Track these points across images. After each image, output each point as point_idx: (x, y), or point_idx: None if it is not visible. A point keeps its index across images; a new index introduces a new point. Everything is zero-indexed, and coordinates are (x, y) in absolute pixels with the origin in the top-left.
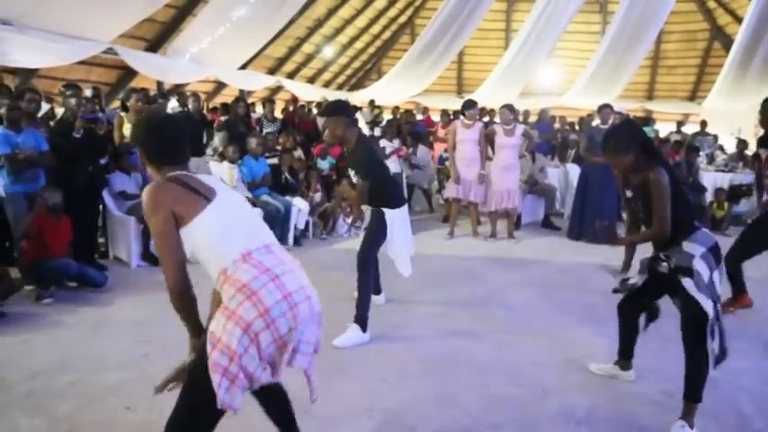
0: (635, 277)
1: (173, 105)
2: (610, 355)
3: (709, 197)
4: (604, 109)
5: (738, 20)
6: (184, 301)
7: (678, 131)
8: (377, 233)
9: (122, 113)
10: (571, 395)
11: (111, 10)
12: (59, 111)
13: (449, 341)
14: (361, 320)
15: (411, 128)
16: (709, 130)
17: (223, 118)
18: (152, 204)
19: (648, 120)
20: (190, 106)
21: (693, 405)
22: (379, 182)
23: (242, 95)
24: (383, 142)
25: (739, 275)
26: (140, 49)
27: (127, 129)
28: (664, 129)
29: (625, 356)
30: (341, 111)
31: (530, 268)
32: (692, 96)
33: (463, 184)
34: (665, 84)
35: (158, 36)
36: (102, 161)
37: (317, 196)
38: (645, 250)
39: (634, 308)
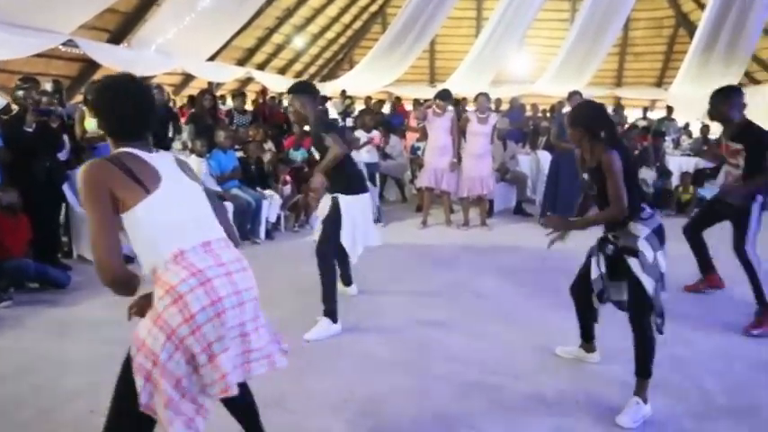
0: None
1: None
2: (579, 339)
3: (675, 181)
4: (574, 96)
5: (702, 6)
6: (120, 290)
7: (644, 117)
8: (333, 222)
9: (84, 107)
10: (542, 380)
11: (70, 0)
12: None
13: (422, 330)
14: (330, 313)
15: (382, 118)
16: (674, 115)
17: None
18: (88, 183)
19: (618, 106)
20: (156, 99)
21: (644, 380)
22: (338, 165)
23: (210, 88)
24: (358, 133)
25: (704, 253)
26: (102, 41)
27: (89, 123)
28: (632, 114)
29: (586, 338)
30: (305, 89)
31: (502, 255)
32: (659, 82)
33: (435, 172)
34: (633, 70)
35: (121, 27)
36: (63, 156)
37: (287, 189)
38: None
39: (584, 290)
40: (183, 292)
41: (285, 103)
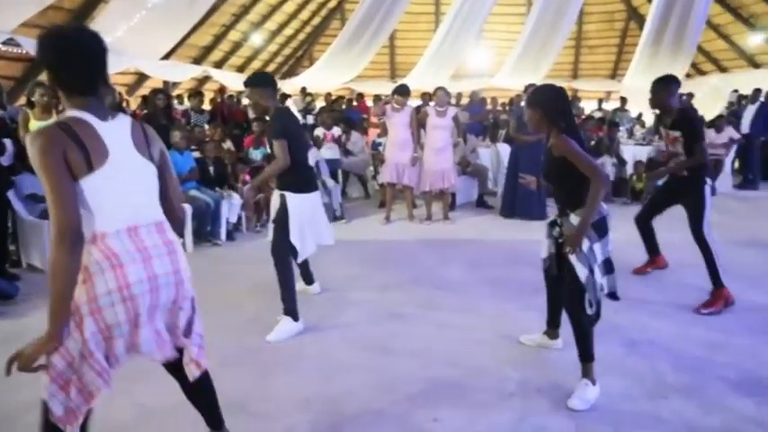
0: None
1: None
2: (542, 328)
3: (629, 170)
4: (530, 89)
5: (650, 0)
6: (66, 263)
7: (600, 108)
8: (282, 221)
9: (27, 110)
10: (504, 370)
11: None
12: None
13: (386, 326)
14: (290, 312)
15: (343, 114)
16: (628, 106)
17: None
18: (41, 148)
19: (574, 98)
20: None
21: (587, 364)
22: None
23: (165, 87)
24: (319, 131)
25: (652, 237)
26: None
27: (33, 126)
28: (588, 106)
29: (552, 325)
30: (263, 82)
31: (465, 248)
32: (614, 74)
33: (396, 167)
34: (588, 63)
35: (67, 25)
36: (6, 162)
37: (247, 188)
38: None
39: (554, 275)
40: (92, 272)
41: (245, 101)
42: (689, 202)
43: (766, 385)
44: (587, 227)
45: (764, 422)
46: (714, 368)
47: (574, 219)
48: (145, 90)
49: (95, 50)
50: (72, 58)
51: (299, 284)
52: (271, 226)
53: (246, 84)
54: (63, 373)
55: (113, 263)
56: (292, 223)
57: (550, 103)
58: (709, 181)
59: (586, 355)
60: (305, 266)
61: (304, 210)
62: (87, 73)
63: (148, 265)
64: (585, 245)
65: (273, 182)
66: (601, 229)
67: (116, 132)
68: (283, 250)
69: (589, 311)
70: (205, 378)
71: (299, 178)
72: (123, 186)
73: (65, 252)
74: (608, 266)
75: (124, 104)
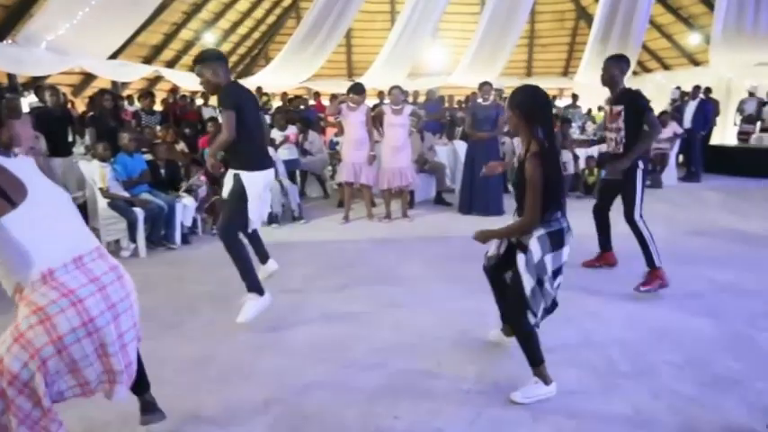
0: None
1: (31, 101)
2: (500, 322)
3: (581, 164)
4: (485, 86)
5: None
6: None
7: (553, 105)
8: (239, 199)
9: None
10: (463, 364)
11: None
12: None
13: (345, 325)
14: (254, 288)
15: (299, 114)
16: (579, 102)
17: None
18: None
19: None
20: (47, 101)
21: (536, 368)
22: (241, 136)
23: (114, 87)
24: (274, 133)
25: (607, 232)
26: None
27: None
28: None
29: (505, 320)
30: (212, 57)
31: (424, 245)
32: (565, 72)
33: (354, 167)
34: (541, 61)
35: (4, 22)
36: None
37: (202, 191)
38: None
39: (498, 274)
40: (51, 313)
41: (198, 101)
42: (623, 187)
43: (707, 367)
44: (498, 236)
45: (707, 403)
46: (661, 353)
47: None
48: (92, 90)
49: None
50: None
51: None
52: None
53: (195, 61)
54: (30, 414)
55: (72, 300)
56: (251, 202)
57: (528, 105)
58: (641, 165)
59: (532, 361)
60: (258, 244)
61: (259, 187)
62: None
63: (105, 295)
64: (537, 255)
65: (217, 169)
66: (556, 240)
67: (24, 167)
68: (233, 228)
69: (532, 320)
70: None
71: (253, 156)
72: (53, 217)
73: None
74: (555, 278)
75: (69, 106)
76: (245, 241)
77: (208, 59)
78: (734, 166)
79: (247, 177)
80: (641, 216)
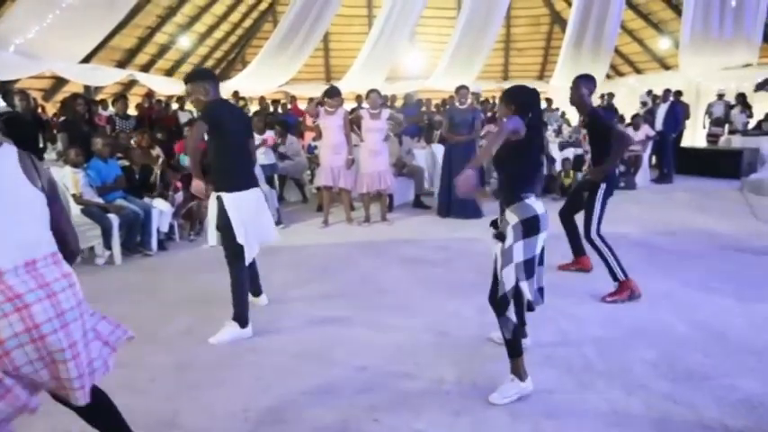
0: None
1: None
2: (479, 325)
3: (558, 167)
4: (461, 90)
5: (571, 5)
6: None
7: None
8: (222, 225)
9: None
10: (442, 367)
11: None
12: None
13: (324, 329)
14: (239, 317)
15: (276, 118)
16: (554, 106)
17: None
18: None
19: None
20: (17, 105)
21: (516, 360)
22: (223, 157)
23: (87, 92)
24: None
25: (576, 237)
26: None
27: None
28: None
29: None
30: (201, 76)
31: (403, 249)
32: (541, 76)
33: (332, 171)
34: (517, 65)
35: None
36: None
37: (179, 196)
38: None
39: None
40: None
41: (174, 106)
42: (586, 201)
43: (679, 364)
44: (473, 165)
45: (679, 398)
46: (636, 351)
47: (509, 215)
48: (63, 95)
49: None
50: None
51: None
52: (212, 233)
53: (186, 80)
54: None
55: (16, 305)
56: (235, 224)
57: (522, 99)
58: (603, 185)
59: (511, 352)
60: (254, 276)
61: (242, 208)
62: None
63: (55, 302)
64: (509, 241)
65: (209, 192)
66: (530, 227)
67: (0, 162)
68: (234, 254)
69: (513, 318)
70: (101, 401)
71: (233, 176)
72: (13, 218)
73: None
74: (528, 269)
75: (40, 111)
76: None
77: (198, 78)
78: (704, 167)
79: (228, 199)
80: (598, 233)
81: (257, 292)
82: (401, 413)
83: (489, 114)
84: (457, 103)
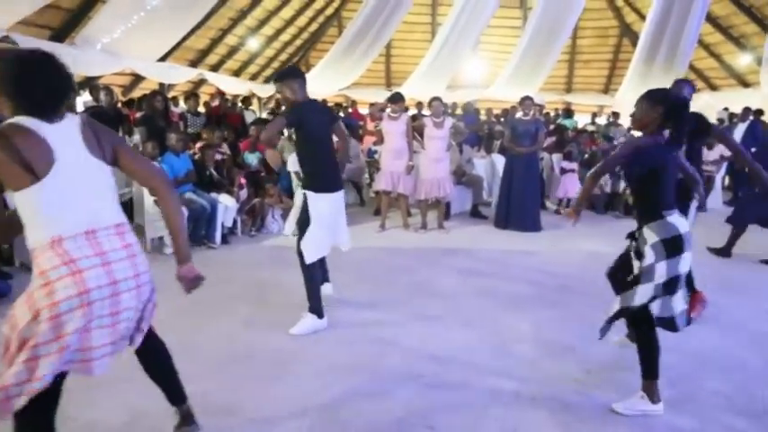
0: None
1: (85, 99)
2: (536, 340)
3: (622, 184)
4: (526, 101)
5: (643, 17)
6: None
7: (593, 122)
8: (303, 220)
9: None
10: (499, 378)
11: None
12: None
13: (380, 333)
14: (314, 310)
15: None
16: (620, 120)
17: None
18: None
19: (569, 111)
20: (102, 100)
21: (649, 382)
22: (307, 154)
23: (162, 89)
24: None
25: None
26: (44, 38)
27: None
28: (581, 120)
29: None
30: (289, 75)
31: (459, 258)
32: (606, 89)
33: (392, 176)
34: (582, 77)
35: (64, 24)
36: None
37: (243, 193)
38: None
39: (619, 276)
40: (52, 278)
41: (240, 104)
42: None
43: (756, 400)
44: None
45: None
46: (706, 381)
47: (647, 232)
48: (140, 91)
49: (57, 83)
50: (28, 88)
51: None
52: (292, 223)
53: (276, 78)
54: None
55: (72, 269)
56: (312, 224)
57: (669, 106)
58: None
59: (644, 372)
60: (321, 263)
61: (323, 210)
62: (43, 104)
63: (108, 270)
64: (648, 260)
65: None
66: (672, 247)
67: (63, 134)
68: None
69: (656, 310)
70: (156, 346)
71: (319, 177)
72: (76, 190)
73: None
74: (669, 288)
75: (119, 105)
76: None
77: (286, 77)
78: None
79: (311, 199)
80: None
81: (324, 279)
82: (456, 422)
83: (552, 127)
84: (520, 114)
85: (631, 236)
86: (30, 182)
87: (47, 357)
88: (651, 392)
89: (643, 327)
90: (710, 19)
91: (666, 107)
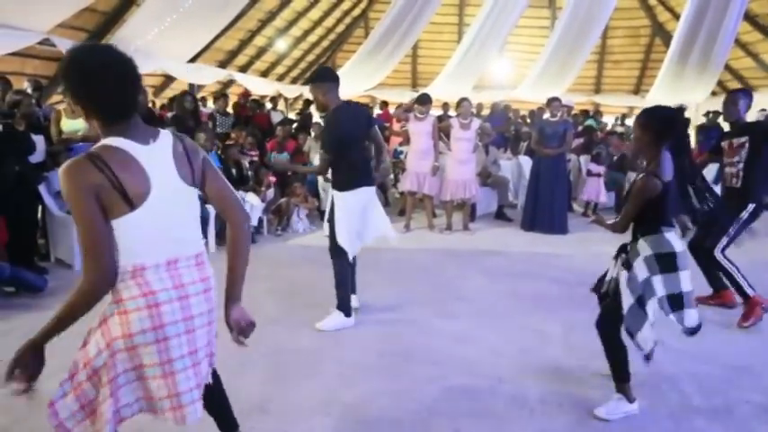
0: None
1: None
2: (563, 343)
3: None
4: (553, 102)
5: (677, 17)
6: (87, 309)
7: (622, 124)
8: (333, 219)
9: (59, 108)
10: (525, 382)
11: None
12: None
13: (405, 334)
14: (342, 308)
15: None
16: None
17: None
18: (70, 188)
19: (596, 113)
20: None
21: (621, 385)
22: (336, 159)
23: (191, 89)
24: None
25: (713, 271)
26: (81, 40)
27: (65, 124)
28: (610, 121)
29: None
30: (323, 77)
31: (484, 259)
32: (637, 90)
33: (417, 176)
34: (611, 78)
35: (100, 26)
36: (37, 159)
37: (270, 192)
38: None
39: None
40: (129, 309)
41: (268, 105)
42: (725, 216)
43: None
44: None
45: None
46: (742, 392)
47: (642, 244)
48: (171, 92)
49: (125, 72)
50: (98, 82)
51: None
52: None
53: (311, 80)
54: (90, 402)
55: (149, 302)
56: (339, 222)
57: (659, 125)
58: (751, 207)
59: (615, 377)
60: (351, 270)
61: (351, 207)
62: (117, 98)
63: (185, 305)
64: (642, 276)
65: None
66: (666, 263)
67: (158, 158)
68: (335, 248)
69: (640, 349)
70: (214, 382)
71: (346, 176)
72: (165, 220)
73: (92, 300)
74: (676, 303)
75: (150, 105)
76: None
77: (319, 79)
78: None
79: (338, 198)
80: (722, 252)
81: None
82: (482, 426)
83: (580, 128)
84: (548, 115)
85: (623, 248)
86: (123, 211)
87: (119, 389)
88: (627, 393)
89: (607, 331)
90: (748, 17)
91: (655, 129)
